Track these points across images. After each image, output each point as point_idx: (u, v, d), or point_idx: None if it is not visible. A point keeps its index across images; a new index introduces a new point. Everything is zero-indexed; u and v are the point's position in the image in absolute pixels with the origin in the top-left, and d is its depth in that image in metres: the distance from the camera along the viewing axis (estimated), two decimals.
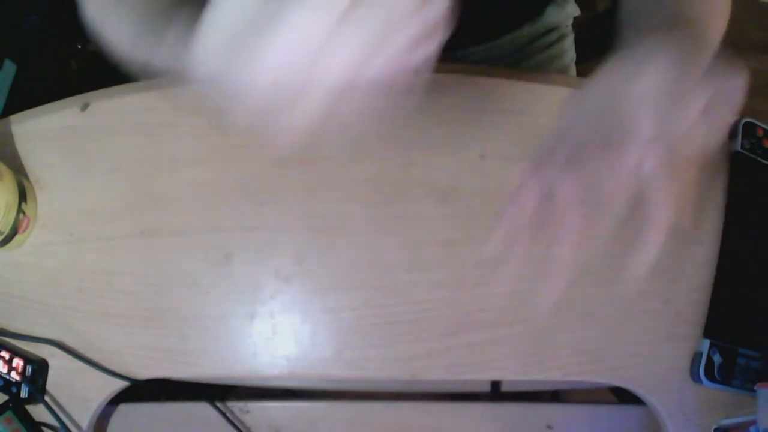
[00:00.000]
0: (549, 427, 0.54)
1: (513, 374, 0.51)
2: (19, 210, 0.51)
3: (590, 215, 0.35)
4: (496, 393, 0.58)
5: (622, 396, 0.55)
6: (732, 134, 0.55)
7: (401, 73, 0.30)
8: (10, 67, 1.18)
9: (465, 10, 0.63)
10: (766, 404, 0.47)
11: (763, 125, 0.56)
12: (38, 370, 0.51)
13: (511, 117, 0.54)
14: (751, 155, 0.55)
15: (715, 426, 0.51)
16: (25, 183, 0.53)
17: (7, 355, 0.51)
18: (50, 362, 0.52)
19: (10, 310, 0.52)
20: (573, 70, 0.77)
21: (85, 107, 0.55)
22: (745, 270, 0.53)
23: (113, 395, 0.52)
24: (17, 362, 0.50)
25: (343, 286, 0.52)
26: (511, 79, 0.55)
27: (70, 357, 0.51)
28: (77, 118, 0.55)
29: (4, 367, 0.51)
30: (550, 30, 0.75)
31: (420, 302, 0.51)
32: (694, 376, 0.51)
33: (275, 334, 0.51)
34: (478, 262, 0.51)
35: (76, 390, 0.51)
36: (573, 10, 0.75)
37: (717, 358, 0.50)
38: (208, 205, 0.53)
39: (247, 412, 0.54)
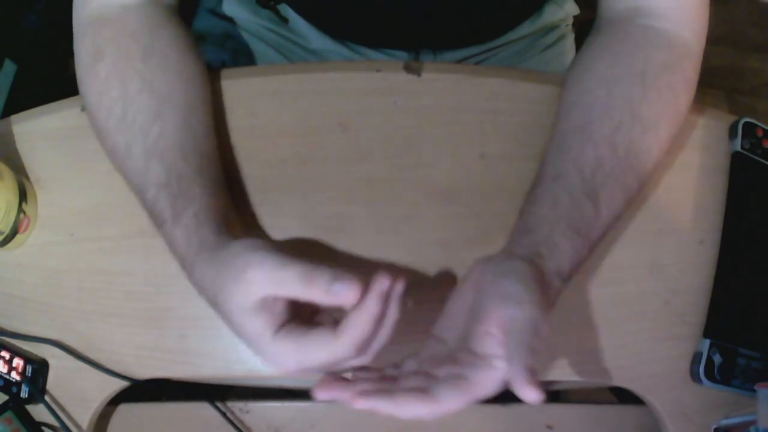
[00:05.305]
0: (549, 427, 0.54)
1: None
2: (20, 210, 0.51)
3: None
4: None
5: (622, 396, 0.55)
6: (732, 134, 0.55)
7: None
8: (10, 67, 1.18)
9: (463, 8, 0.64)
10: (766, 404, 0.47)
11: (763, 125, 0.56)
12: (38, 370, 0.51)
13: (511, 117, 0.54)
14: (751, 155, 0.55)
15: (715, 426, 0.51)
16: (26, 183, 0.53)
17: (7, 355, 0.51)
18: (50, 362, 0.52)
19: (10, 310, 0.52)
20: None
21: (84, 107, 0.55)
22: (745, 270, 0.53)
23: (113, 395, 0.52)
24: (17, 362, 0.50)
25: None
26: (511, 79, 0.55)
27: (70, 357, 0.51)
28: (77, 118, 0.55)
29: (4, 367, 0.51)
30: (550, 30, 0.75)
31: (420, 302, 0.51)
32: (694, 376, 0.51)
33: None
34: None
35: (76, 390, 0.51)
36: (572, 9, 0.75)
37: (717, 358, 0.50)
38: None
39: (247, 412, 0.54)
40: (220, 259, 0.40)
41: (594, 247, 0.46)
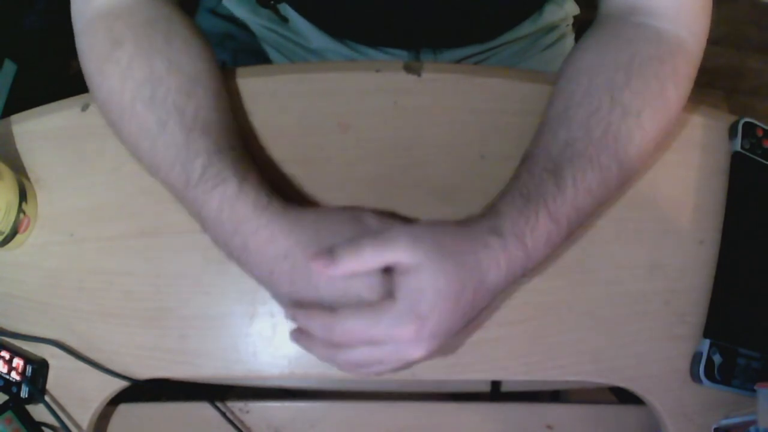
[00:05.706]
0: (549, 427, 0.54)
1: (513, 374, 0.51)
2: (20, 210, 0.51)
3: None
4: (496, 393, 0.58)
5: (622, 396, 0.55)
6: (732, 134, 0.55)
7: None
8: (10, 67, 1.18)
9: (463, 7, 0.64)
10: (766, 404, 0.47)
11: (762, 125, 0.56)
12: (38, 370, 0.51)
13: (511, 117, 0.54)
14: (751, 155, 0.55)
15: (715, 426, 0.51)
16: (26, 183, 0.53)
17: (7, 355, 0.51)
18: (50, 362, 0.52)
19: (10, 310, 0.52)
20: None
21: (85, 107, 0.55)
22: (745, 270, 0.53)
23: (113, 395, 0.52)
24: (17, 362, 0.50)
25: None
26: (511, 79, 0.55)
27: (70, 357, 0.51)
28: (77, 118, 0.55)
29: (4, 367, 0.51)
30: (550, 30, 0.75)
31: None
32: (694, 376, 0.51)
33: (275, 334, 0.51)
34: None
35: (76, 390, 0.51)
36: (572, 9, 0.75)
37: (717, 358, 0.50)
38: None
39: (247, 412, 0.54)
40: (303, 211, 0.46)
41: (562, 219, 0.45)
